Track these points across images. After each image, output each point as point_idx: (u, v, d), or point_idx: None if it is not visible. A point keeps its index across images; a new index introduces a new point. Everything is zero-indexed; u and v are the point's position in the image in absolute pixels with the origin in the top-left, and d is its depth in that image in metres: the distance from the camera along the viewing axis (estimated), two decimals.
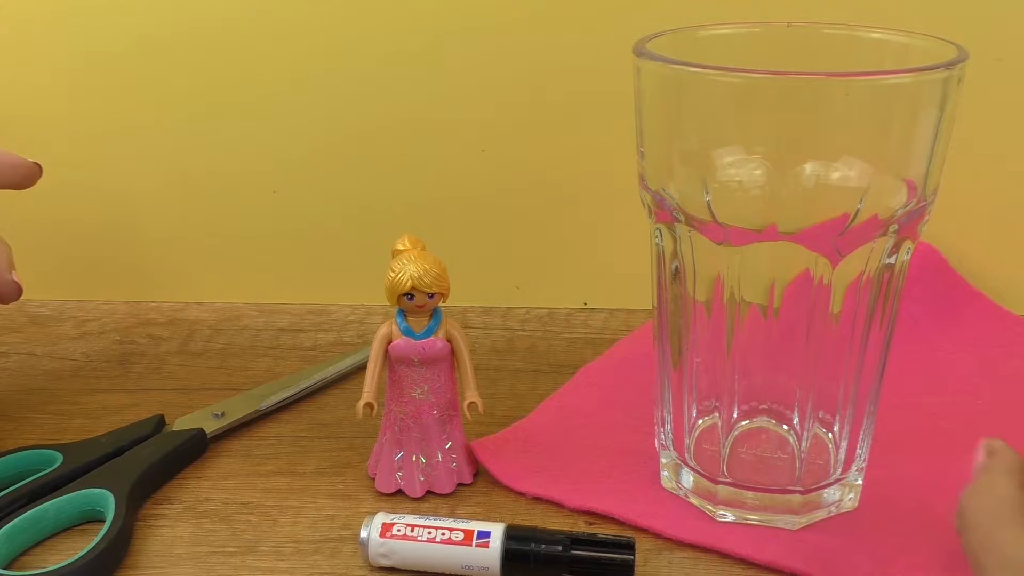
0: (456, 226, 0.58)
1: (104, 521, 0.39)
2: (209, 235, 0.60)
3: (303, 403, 0.50)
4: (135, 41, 0.56)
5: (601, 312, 0.59)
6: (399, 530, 0.37)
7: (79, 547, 0.38)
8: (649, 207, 0.38)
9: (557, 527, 0.38)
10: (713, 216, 0.35)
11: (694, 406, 0.40)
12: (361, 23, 0.55)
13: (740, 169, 0.34)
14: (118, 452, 0.43)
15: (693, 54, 0.34)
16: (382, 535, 0.37)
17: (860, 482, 0.40)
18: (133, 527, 0.40)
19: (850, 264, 0.35)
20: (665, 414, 0.41)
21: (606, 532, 0.39)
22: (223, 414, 0.47)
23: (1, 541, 0.38)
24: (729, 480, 0.39)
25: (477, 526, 0.37)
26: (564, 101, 0.55)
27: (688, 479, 0.40)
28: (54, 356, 0.55)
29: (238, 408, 0.48)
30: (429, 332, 0.41)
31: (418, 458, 0.42)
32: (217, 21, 0.55)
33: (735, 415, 0.39)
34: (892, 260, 0.36)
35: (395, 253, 0.41)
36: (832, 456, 0.39)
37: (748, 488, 0.39)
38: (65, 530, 0.40)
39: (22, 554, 0.39)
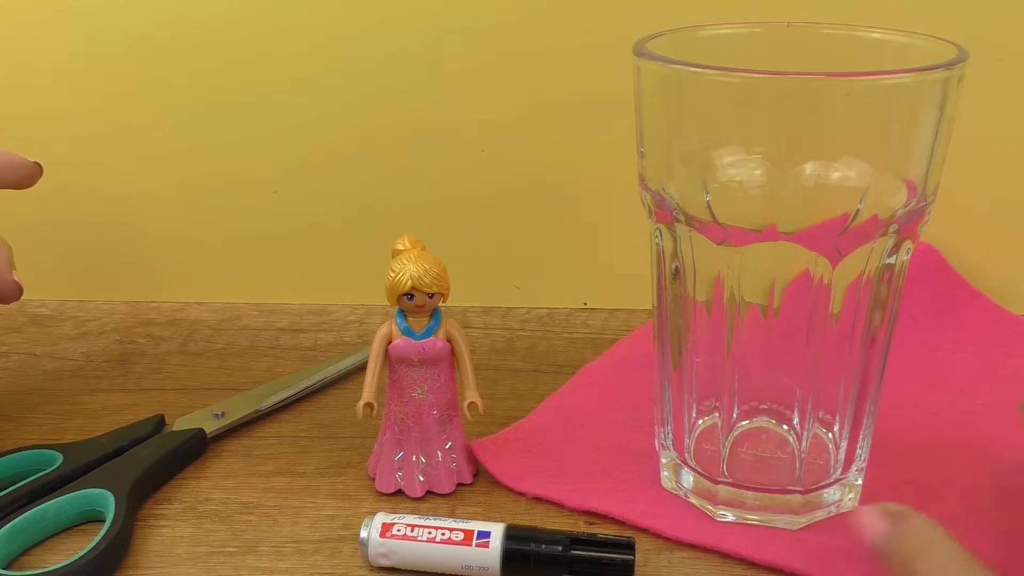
0: (456, 226, 0.58)
1: (104, 521, 0.39)
2: (209, 235, 0.60)
3: (303, 403, 0.50)
4: (135, 41, 0.56)
5: (601, 312, 0.59)
6: (399, 530, 0.37)
7: (79, 547, 0.38)
8: (649, 207, 0.38)
9: (557, 527, 0.38)
10: (713, 216, 0.35)
11: (694, 406, 0.40)
12: (361, 23, 0.55)
13: (740, 169, 0.34)
14: (118, 452, 0.43)
15: (693, 54, 0.34)
16: (382, 535, 0.37)
17: (860, 482, 0.40)
18: (133, 527, 0.40)
19: (850, 264, 0.35)
20: (665, 414, 0.41)
21: (606, 532, 0.39)
22: (223, 414, 0.47)
23: (1, 541, 0.38)
24: (729, 480, 0.39)
25: (477, 526, 0.37)
26: (564, 101, 0.55)
27: (688, 479, 0.40)
28: (54, 356, 0.55)
29: (238, 408, 0.48)
30: (429, 332, 0.41)
31: (418, 458, 0.42)
32: (217, 21, 0.55)
33: (735, 415, 0.39)
34: (892, 260, 0.36)
35: (395, 253, 0.41)
36: (832, 456, 0.39)
37: (748, 488, 0.39)
38: (65, 530, 0.40)
39: (22, 554, 0.39)
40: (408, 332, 0.41)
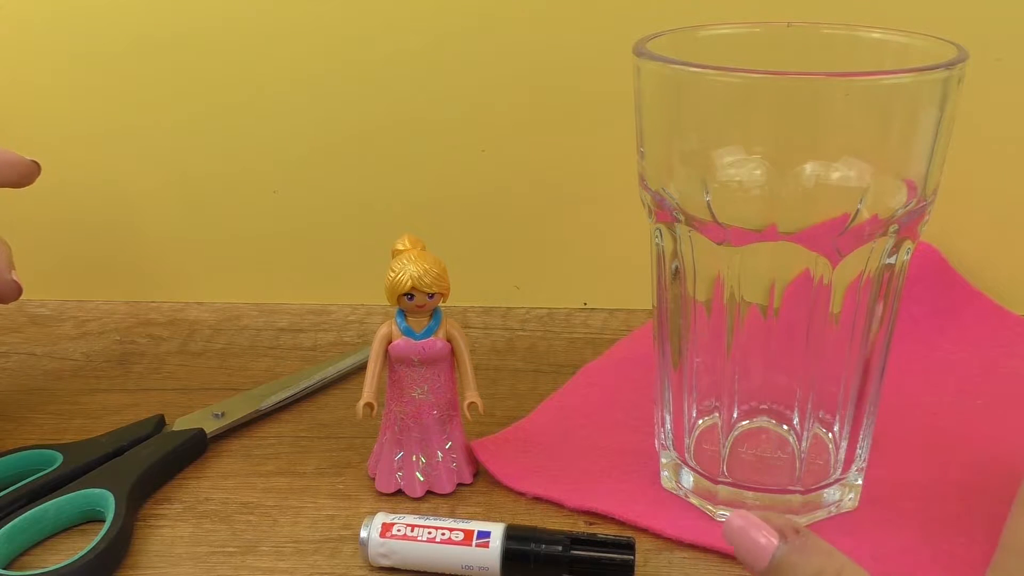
0: (456, 226, 0.58)
1: (104, 521, 0.39)
2: (209, 235, 0.60)
3: (303, 403, 0.50)
4: (135, 41, 0.56)
5: (601, 312, 0.59)
6: (399, 530, 0.37)
7: (79, 547, 0.38)
8: (649, 207, 0.38)
9: (557, 527, 0.38)
10: (713, 216, 0.35)
11: (694, 406, 0.40)
12: (361, 23, 0.55)
13: (740, 169, 0.34)
14: (118, 452, 0.43)
15: (693, 54, 0.34)
16: (382, 535, 0.37)
17: (860, 482, 0.40)
18: (133, 527, 0.40)
19: (850, 264, 0.35)
20: (665, 414, 0.41)
21: (606, 532, 0.39)
22: (223, 414, 0.47)
23: (1, 541, 0.38)
24: (729, 480, 0.39)
25: (477, 526, 0.37)
26: (564, 101, 0.55)
27: (688, 479, 0.40)
28: (54, 356, 0.55)
29: (238, 408, 0.48)
30: (429, 332, 0.41)
31: (418, 458, 0.42)
32: (217, 21, 0.55)
33: (735, 415, 0.39)
34: (892, 260, 0.36)
35: (395, 253, 0.41)
36: (832, 456, 0.39)
37: (748, 488, 0.39)
38: (65, 530, 0.40)
39: (22, 554, 0.39)
40: (408, 332, 0.41)
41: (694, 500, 0.40)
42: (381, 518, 0.38)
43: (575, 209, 0.58)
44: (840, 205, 0.33)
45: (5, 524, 0.38)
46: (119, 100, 0.57)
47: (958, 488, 0.41)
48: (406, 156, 0.57)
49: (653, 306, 0.40)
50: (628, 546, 0.37)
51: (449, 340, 0.41)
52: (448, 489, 0.42)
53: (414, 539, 0.37)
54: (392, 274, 0.40)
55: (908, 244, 0.36)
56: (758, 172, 0.33)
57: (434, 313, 0.41)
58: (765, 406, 0.41)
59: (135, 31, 0.56)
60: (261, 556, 0.39)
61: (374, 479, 0.43)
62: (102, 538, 0.38)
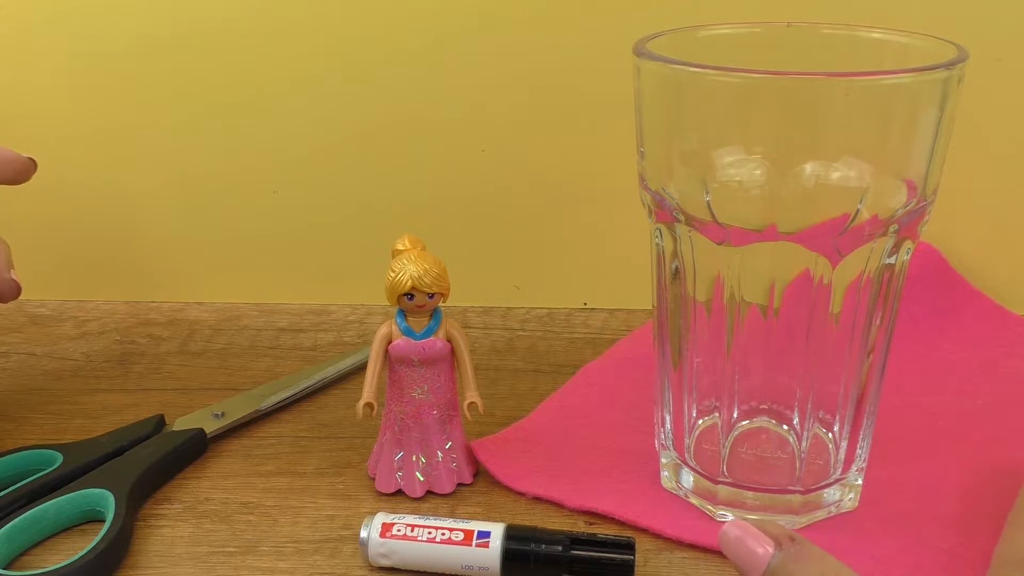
0: (456, 226, 0.58)
1: (104, 521, 0.39)
2: (209, 235, 0.60)
3: (303, 403, 0.50)
4: (135, 41, 0.56)
5: (601, 312, 0.59)
6: (399, 530, 0.37)
7: (79, 547, 0.38)
8: (649, 207, 0.38)
9: (557, 527, 0.38)
10: (713, 216, 0.35)
11: (694, 406, 0.40)
12: (361, 23, 0.55)
13: (740, 169, 0.34)
14: (118, 452, 0.43)
15: (693, 54, 0.34)
16: (382, 535, 0.37)
17: (860, 482, 0.40)
18: (133, 527, 0.40)
19: (850, 264, 0.35)
20: (665, 414, 0.41)
21: (606, 532, 0.39)
22: (223, 414, 0.47)
23: (1, 541, 0.38)
24: (729, 480, 0.39)
25: (477, 526, 0.37)
26: (564, 101, 0.55)
27: (688, 479, 0.40)
28: (54, 356, 0.55)
29: (238, 408, 0.48)
30: (429, 332, 0.41)
31: (418, 458, 0.42)
32: (217, 21, 0.55)
33: (735, 415, 0.39)
34: (892, 260, 0.36)
35: (395, 253, 0.41)
36: (832, 456, 0.39)
37: (748, 488, 0.39)
38: (65, 530, 0.40)
39: (22, 554, 0.39)
40: (408, 332, 0.41)
41: (694, 500, 0.40)
42: (381, 518, 0.38)
43: (575, 209, 0.58)
44: (840, 205, 0.33)
45: (5, 524, 0.38)
46: (119, 100, 0.57)
47: (958, 488, 0.41)
48: (406, 156, 0.57)
49: (653, 306, 0.40)
50: (628, 546, 0.37)
51: (449, 340, 0.41)
52: (448, 489, 0.42)
53: (414, 539, 0.37)
54: (392, 274, 0.40)
55: (908, 244, 0.36)
56: (758, 172, 0.33)
57: (434, 313, 0.41)
58: (765, 406, 0.41)
59: (135, 31, 0.56)
60: (261, 556, 0.39)
61: (374, 479, 0.43)
62: (102, 538, 0.38)
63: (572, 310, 0.60)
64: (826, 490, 0.39)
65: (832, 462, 0.39)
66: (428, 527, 0.37)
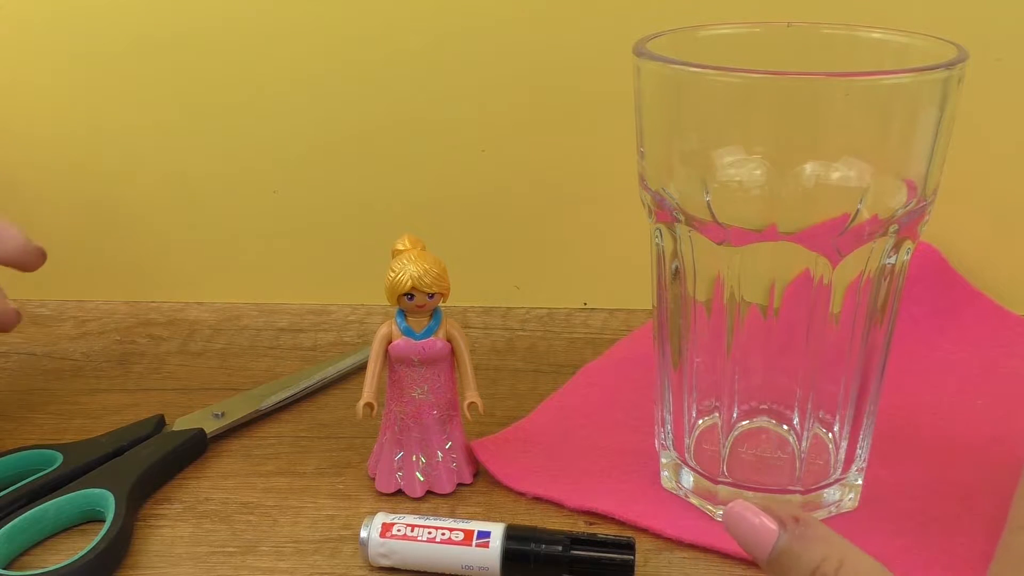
0: (456, 226, 0.58)
1: (104, 521, 0.39)
2: (209, 235, 0.60)
3: (303, 403, 0.50)
4: (134, 41, 0.56)
5: (601, 312, 0.59)
6: (399, 530, 0.37)
7: (79, 547, 0.38)
8: (649, 207, 0.38)
9: (557, 527, 0.38)
10: (713, 216, 0.35)
11: (694, 406, 0.40)
12: (361, 23, 0.55)
13: (740, 169, 0.34)
14: (118, 452, 0.43)
15: (693, 54, 0.34)
16: (382, 535, 0.37)
17: (860, 482, 0.40)
18: (133, 527, 0.40)
19: (850, 264, 0.35)
20: (665, 414, 0.41)
21: (606, 532, 0.39)
22: (223, 414, 0.47)
23: (1, 541, 0.38)
24: (729, 480, 0.39)
25: (477, 526, 0.37)
26: (564, 101, 0.55)
27: (688, 479, 0.40)
28: (54, 356, 0.55)
29: (238, 408, 0.48)
30: (429, 332, 0.41)
31: (418, 458, 0.42)
32: (216, 21, 0.55)
33: (735, 415, 0.39)
34: (892, 260, 0.36)
35: (395, 253, 0.41)
36: (832, 456, 0.39)
37: (748, 488, 0.39)
38: (65, 530, 0.40)
39: (22, 554, 0.39)
40: (408, 332, 0.41)
41: (694, 500, 0.40)
42: (381, 518, 0.38)
43: (575, 209, 0.58)
44: (840, 205, 0.33)
45: (5, 524, 0.38)
46: (119, 100, 0.57)
47: (958, 488, 0.41)
48: (406, 156, 0.57)
49: (653, 306, 0.40)
50: (628, 546, 0.37)
51: (449, 340, 0.41)
52: (448, 489, 0.42)
53: (414, 539, 0.37)
54: (392, 274, 0.40)
55: (908, 244, 0.36)
56: (758, 172, 0.33)
57: (434, 313, 0.41)
58: (765, 406, 0.41)
59: (135, 31, 0.56)
60: (261, 556, 0.39)
61: (374, 479, 0.43)
62: (102, 538, 0.38)
63: (572, 310, 0.60)
64: (826, 490, 0.39)
65: (832, 462, 0.39)
66: (428, 527, 0.37)
